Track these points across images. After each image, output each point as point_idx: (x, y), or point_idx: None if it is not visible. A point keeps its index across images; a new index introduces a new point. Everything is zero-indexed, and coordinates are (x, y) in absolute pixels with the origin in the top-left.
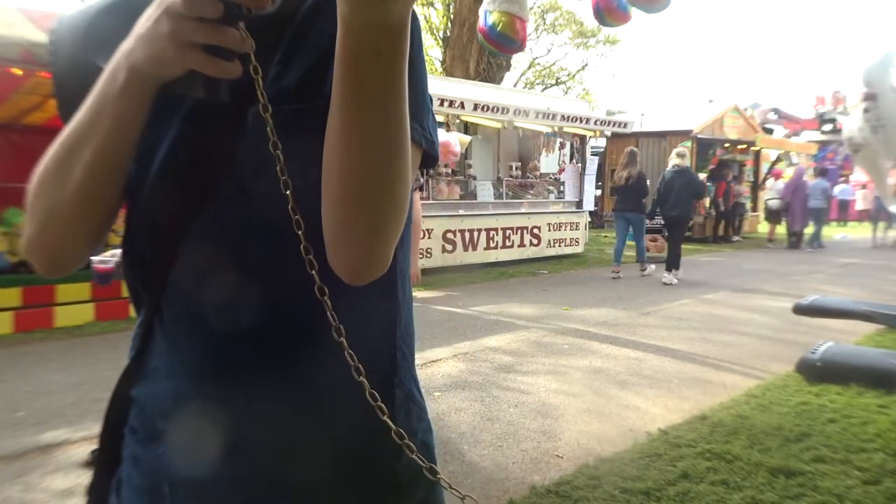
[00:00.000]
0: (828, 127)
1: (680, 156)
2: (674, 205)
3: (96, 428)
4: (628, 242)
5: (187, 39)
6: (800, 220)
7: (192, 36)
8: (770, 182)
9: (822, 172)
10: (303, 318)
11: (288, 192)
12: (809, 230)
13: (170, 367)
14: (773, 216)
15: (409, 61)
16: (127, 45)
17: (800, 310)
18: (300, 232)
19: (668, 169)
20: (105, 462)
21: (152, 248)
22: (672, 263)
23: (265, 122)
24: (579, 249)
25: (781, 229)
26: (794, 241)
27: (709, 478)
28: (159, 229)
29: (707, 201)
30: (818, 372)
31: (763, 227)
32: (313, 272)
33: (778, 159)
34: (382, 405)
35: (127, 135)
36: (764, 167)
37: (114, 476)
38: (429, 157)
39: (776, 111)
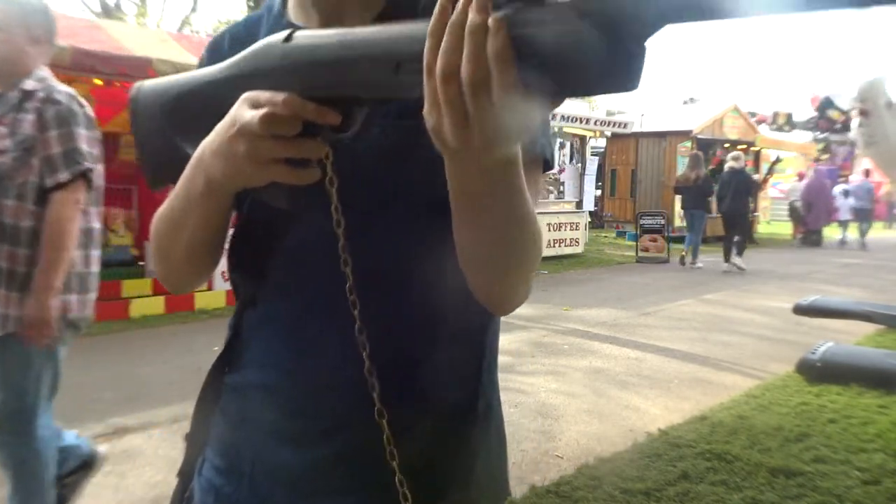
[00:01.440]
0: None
1: (735, 159)
2: (731, 203)
3: (96, 428)
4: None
5: (266, 157)
6: (821, 219)
7: (271, 153)
8: (794, 183)
9: (867, 173)
10: (395, 317)
11: (340, 231)
12: (833, 230)
13: (260, 358)
14: (797, 216)
15: None
16: (203, 155)
17: (800, 310)
18: (347, 269)
19: (724, 171)
20: (195, 445)
21: (251, 245)
22: (731, 249)
23: (360, 148)
24: (579, 250)
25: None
26: (816, 239)
27: (709, 478)
28: (258, 229)
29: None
30: (818, 372)
31: (763, 228)
32: (355, 313)
33: (777, 160)
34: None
35: (217, 224)
36: (763, 167)
37: (200, 457)
38: (547, 165)
39: (775, 114)
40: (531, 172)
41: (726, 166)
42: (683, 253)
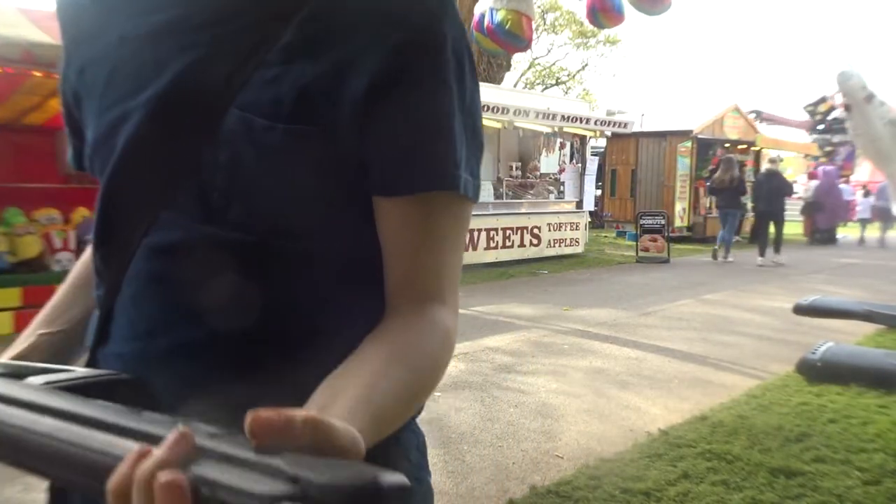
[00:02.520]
0: (821, 127)
1: (772, 162)
2: (766, 202)
3: None
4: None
5: None
6: (833, 219)
7: None
8: (810, 182)
9: None
10: (268, 333)
11: None
12: (853, 230)
13: (120, 331)
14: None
15: (462, 104)
16: None
17: (800, 310)
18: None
19: (761, 172)
20: (56, 493)
21: (108, 246)
22: (766, 245)
23: (248, 134)
24: (579, 249)
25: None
26: (828, 237)
27: (709, 478)
28: (116, 227)
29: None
30: (818, 372)
31: None
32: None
33: (777, 159)
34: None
35: None
36: (764, 167)
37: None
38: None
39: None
40: (450, 210)
41: (763, 168)
42: (716, 247)
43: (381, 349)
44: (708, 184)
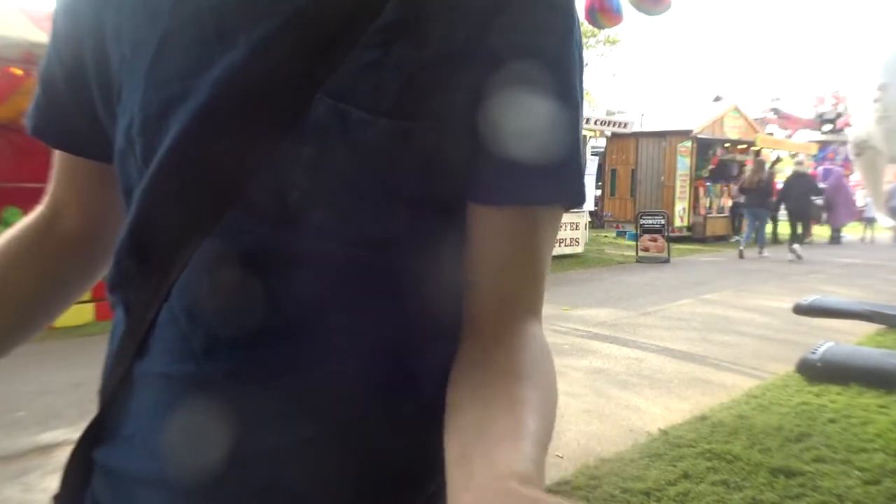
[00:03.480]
0: (827, 127)
1: (799, 163)
2: (795, 201)
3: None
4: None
5: None
6: (842, 218)
7: None
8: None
9: None
10: (342, 357)
11: None
12: (854, 229)
13: (148, 443)
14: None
15: (582, 110)
16: None
17: (800, 310)
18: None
19: (790, 174)
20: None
21: (152, 249)
22: (794, 241)
23: (341, 127)
24: (579, 249)
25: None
26: (836, 237)
27: (709, 478)
28: (166, 228)
29: (708, 202)
30: (818, 372)
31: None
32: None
33: (777, 159)
34: None
35: None
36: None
37: None
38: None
39: (775, 111)
40: (556, 218)
41: (792, 169)
42: (760, 249)
43: (529, 384)
44: (713, 183)
